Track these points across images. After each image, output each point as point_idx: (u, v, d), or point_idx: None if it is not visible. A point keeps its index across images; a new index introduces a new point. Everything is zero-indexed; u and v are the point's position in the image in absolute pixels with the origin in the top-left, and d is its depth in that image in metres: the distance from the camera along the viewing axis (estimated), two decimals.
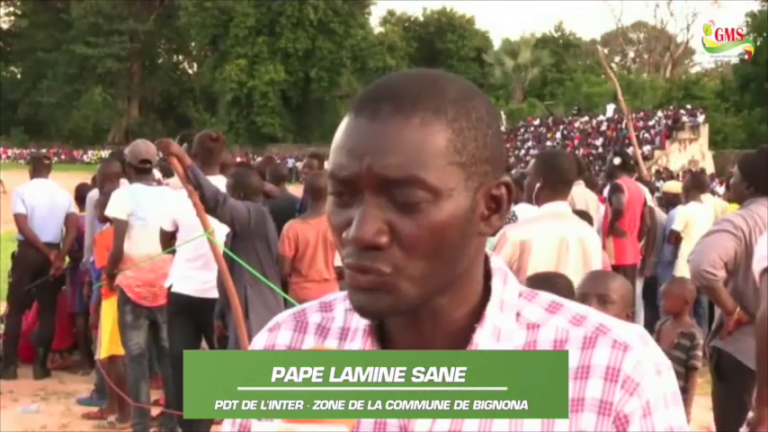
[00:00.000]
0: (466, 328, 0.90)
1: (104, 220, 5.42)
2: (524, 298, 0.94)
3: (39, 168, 7.02)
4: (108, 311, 5.32)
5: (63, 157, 59.34)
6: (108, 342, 5.33)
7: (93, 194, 6.14)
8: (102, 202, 5.42)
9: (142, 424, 5.05)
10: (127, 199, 5.01)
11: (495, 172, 0.89)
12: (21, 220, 6.77)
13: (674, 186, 8.82)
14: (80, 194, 7.03)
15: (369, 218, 0.84)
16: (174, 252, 4.84)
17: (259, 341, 1.01)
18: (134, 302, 5.01)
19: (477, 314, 0.91)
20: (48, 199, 6.81)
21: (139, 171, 5.09)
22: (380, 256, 0.84)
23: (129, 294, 5.00)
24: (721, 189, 18.05)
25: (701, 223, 6.75)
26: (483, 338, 0.89)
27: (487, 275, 0.94)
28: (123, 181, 5.72)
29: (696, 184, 7.68)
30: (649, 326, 7.57)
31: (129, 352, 5.04)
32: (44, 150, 59.70)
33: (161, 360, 5.29)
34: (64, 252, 6.89)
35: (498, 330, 0.90)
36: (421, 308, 0.89)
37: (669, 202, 7.86)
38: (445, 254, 0.86)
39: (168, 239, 4.83)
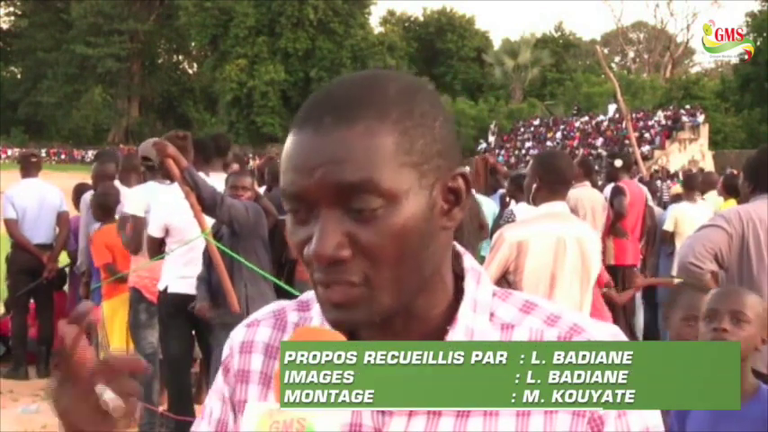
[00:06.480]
0: (439, 328, 0.90)
1: (100, 218, 5.38)
2: (498, 297, 0.93)
3: (28, 168, 6.88)
4: (113, 312, 5.22)
5: (63, 156, 59.31)
6: (117, 343, 5.28)
7: (88, 197, 6.09)
8: (96, 202, 5.37)
9: (150, 424, 4.95)
10: (144, 196, 4.94)
11: (449, 164, 0.88)
12: (11, 226, 6.66)
13: (679, 189, 9.02)
14: (79, 195, 6.97)
15: (327, 232, 0.82)
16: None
17: (236, 336, 1.01)
18: (150, 302, 4.91)
19: (450, 314, 0.90)
20: (38, 199, 6.71)
21: (149, 169, 5.07)
22: (347, 269, 0.83)
23: (147, 295, 4.92)
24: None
25: (694, 222, 6.77)
26: (455, 339, 0.89)
27: (461, 275, 0.93)
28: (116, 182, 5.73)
29: (690, 185, 7.87)
30: (649, 326, 7.58)
31: (141, 351, 4.94)
32: (42, 150, 60.03)
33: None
34: (56, 252, 6.80)
35: (471, 331, 0.90)
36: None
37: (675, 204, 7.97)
38: (410, 257, 0.84)
39: (157, 246, 4.77)
